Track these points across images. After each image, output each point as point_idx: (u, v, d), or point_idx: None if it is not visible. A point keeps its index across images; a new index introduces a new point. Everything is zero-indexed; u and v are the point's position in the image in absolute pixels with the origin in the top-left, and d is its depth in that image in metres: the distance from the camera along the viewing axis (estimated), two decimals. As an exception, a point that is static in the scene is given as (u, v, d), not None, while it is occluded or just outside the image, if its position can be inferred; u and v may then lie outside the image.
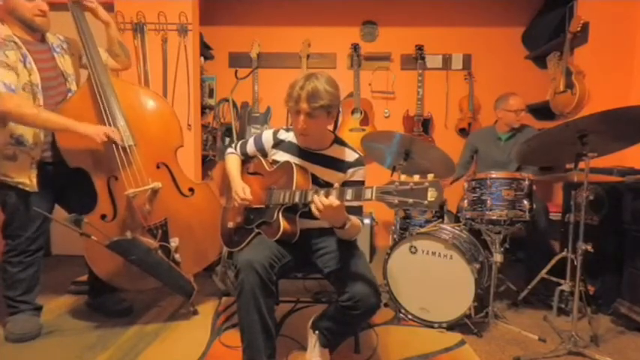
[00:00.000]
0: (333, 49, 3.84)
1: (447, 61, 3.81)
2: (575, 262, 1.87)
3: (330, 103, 1.44)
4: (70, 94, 1.92)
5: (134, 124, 1.91)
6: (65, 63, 1.94)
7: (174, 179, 2.04)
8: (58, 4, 1.98)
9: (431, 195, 1.13)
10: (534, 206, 2.10)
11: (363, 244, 3.14)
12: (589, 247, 1.83)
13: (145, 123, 1.98)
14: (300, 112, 1.45)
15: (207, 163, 3.40)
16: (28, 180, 1.80)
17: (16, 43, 1.74)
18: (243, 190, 1.61)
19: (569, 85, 2.93)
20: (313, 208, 1.35)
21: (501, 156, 2.80)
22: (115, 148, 1.85)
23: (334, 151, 1.61)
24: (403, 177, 1.20)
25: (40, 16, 1.80)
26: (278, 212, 1.51)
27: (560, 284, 2.16)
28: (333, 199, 1.32)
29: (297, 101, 1.43)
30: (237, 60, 3.78)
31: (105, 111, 1.85)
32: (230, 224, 1.74)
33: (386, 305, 2.23)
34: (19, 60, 1.73)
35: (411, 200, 1.15)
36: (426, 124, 3.71)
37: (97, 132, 1.78)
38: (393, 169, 2.31)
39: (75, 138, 1.82)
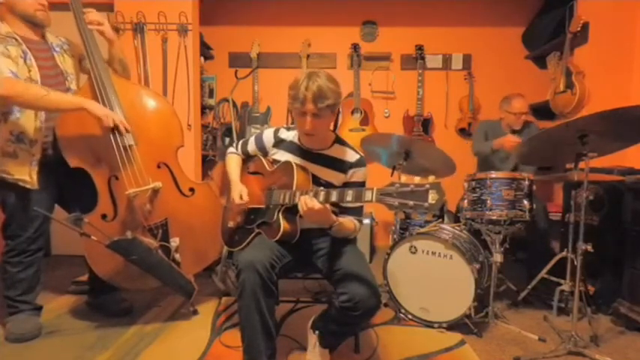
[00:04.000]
0: (333, 49, 3.84)
1: (447, 61, 3.80)
2: (575, 262, 1.87)
3: (335, 101, 1.44)
4: (70, 94, 1.91)
5: (135, 123, 1.91)
6: (65, 62, 1.94)
7: (174, 179, 2.04)
8: (59, 3, 1.98)
9: (432, 197, 1.13)
10: (534, 206, 2.10)
11: (363, 244, 3.14)
12: (589, 247, 1.83)
13: (145, 122, 1.98)
14: (306, 114, 1.44)
15: (207, 163, 3.40)
16: (29, 177, 1.80)
17: (16, 40, 1.75)
18: (240, 195, 1.61)
19: (569, 85, 2.94)
20: (300, 209, 1.37)
21: (503, 151, 2.80)
22: (115, 148, 1.85)
23: (335, 151, 1.61)
24: (404, 178, 1.20)
25: (41, 11, 1.80)
26: (278, 212, 1.51)
27: (560, 284, 2.16)
28: (314, 203, 1.33)
29: (304, 102, 1.41)
30: (237, 60, 3.78)
31: None
32: (231, 224, 1.74)
33: (386, 305, 2.23)
34: (19, 56, 1.74)
35: (411, 202, 1.15)
36: (426, 124, 3.71)
37: (106, 114, 1.78)
38: (393, 169, 2.31)
39: (75, 136, 1.83)
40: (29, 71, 1.76)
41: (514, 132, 2.78)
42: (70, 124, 1.84)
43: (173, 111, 2.11)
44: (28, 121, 1.79)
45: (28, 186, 1.80)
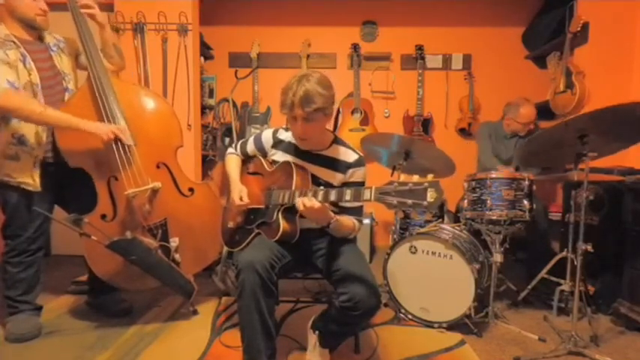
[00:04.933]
0: (333, 49, 3.84)
1: (447, 61, 3.80)
2: (575, 262, 1.87)
3: (325, 105, 1.43)
4: (67, 94, 1.92)
5: (134, 124, 1.91)
6: (62, 62, 1.94)
7: (174, 179, 2.04)
8: (57, 4, 1.98)
9: (430, 196, 1.12)
10: (534, 206, 2.10)
11: (363, 244, 3.14)
12: (589, 247, 1.83)
13: (144, 123, 1.98)
14: (296, 119, 1.44)
15: (207, 163, 3.40)
16: (31, 180, 1.81)
17: (14, 42, 1.75)
18: (239, 196, 1.61)
19: (569, 85, 2.93)
20: (298, 208, 1.38)
21: (506, 153, 2.83)
22: (115, 149, 1.85)
23: (334, 152, 1.61)
24: (403, 177, 1.19)
25: (41, 16, 1.81)
26: (278, 212, 1.51)
27: (560, 284, 2.17)
28: (313, 202, 1.34)
29: (292, 108, 1.42)
30: (237, 60, 3.78)
31: (105, 111, 1.85)
32: (230, 224, 1.74)
33: (386, 305, 2.23)
34: (18, 59, 1.73)
35: (410, 201, 1.14)
36: (426, 124, 3.71)
37: (104, 130, 1.78)
38: (393, 169, 2.31)
39: (75, 138, 1.83)
40: (29, 75, 1.76)
41: (517, 137, 2.80)
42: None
43: (172, 111, 2.11)
44: (30, 123, 1.79)
45: (30, 188, 1.81)
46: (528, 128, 2.75)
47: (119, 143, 1.85)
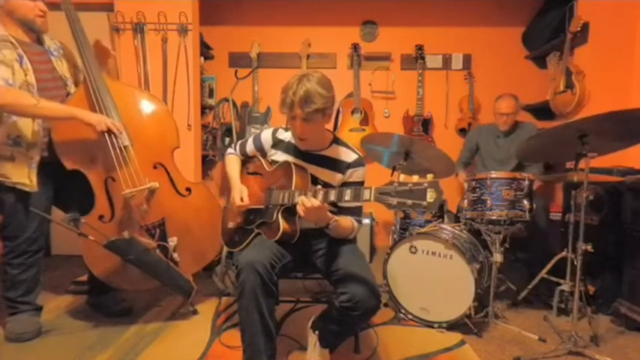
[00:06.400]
0: (333, 49, 3.84)
1: (447, 61, 3.80)
2: (575, 262, 1.87)
3: (324, 105, 1.43)
4: (69, 98, 1.92)
5: (130, 124, 1.92)
6: (63, 67, 1.94)
7: (171, 179, 2.04)
8: (51, 3, 1.97)
9: (430, 196, 1.12)
10: (534, 206, 2.10)
11: (363, 244, 3.13)
12: (589, 247, 1.83)
13: (141, 124, 1.99)
14: (295, 118, 1.44)
15: (207, 163, 3.40)
16: (28, 180, 1.80)
17: (12, 43, 1.75)
18: (240, 196, 1.61)
19: (569, 85, 2.93)
20: (298, 209, 1.38)
21: (500, 153, 2.83)
22: (111, 149, 1.85)
23: (333, 152, 1.61)
24: (402, 177, 1.19)
25: (40, 17, 1.80)
26: (277, 213, 1.51)
27: (560, 284, 2.16)
28: (313, 201, 1.34)
29: (291, 107, 1.42)
30: (237, 60, 3.78)
31: (101, 112, 1.85)
32: (231, 224, 1.74)
33: (386, 305, 2.23)
34: (15, 59, 1.73)
35: (410, 201, 1.14)
36: (426, 124, 3.71)
37: (98, 120, 1.79)
38: (393, 169, 2.31)
39: (70, 135, 1.83)
40: (25, 75, 1.75)
41: (504, 134, 2.81)
42: (66, 128, 1.85)
43: (168, 112, 2.13)
44: (26, 123, 1.79)
45: (27, 189, 1.80)
46: (505, 121, 2.75)
47: (115, 143, 1.84)
